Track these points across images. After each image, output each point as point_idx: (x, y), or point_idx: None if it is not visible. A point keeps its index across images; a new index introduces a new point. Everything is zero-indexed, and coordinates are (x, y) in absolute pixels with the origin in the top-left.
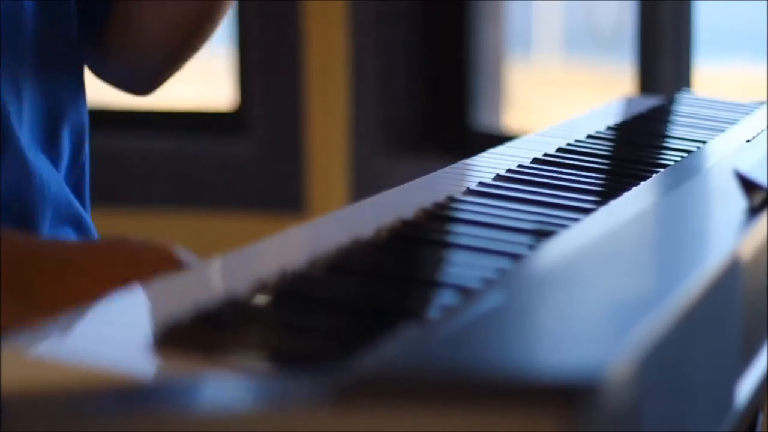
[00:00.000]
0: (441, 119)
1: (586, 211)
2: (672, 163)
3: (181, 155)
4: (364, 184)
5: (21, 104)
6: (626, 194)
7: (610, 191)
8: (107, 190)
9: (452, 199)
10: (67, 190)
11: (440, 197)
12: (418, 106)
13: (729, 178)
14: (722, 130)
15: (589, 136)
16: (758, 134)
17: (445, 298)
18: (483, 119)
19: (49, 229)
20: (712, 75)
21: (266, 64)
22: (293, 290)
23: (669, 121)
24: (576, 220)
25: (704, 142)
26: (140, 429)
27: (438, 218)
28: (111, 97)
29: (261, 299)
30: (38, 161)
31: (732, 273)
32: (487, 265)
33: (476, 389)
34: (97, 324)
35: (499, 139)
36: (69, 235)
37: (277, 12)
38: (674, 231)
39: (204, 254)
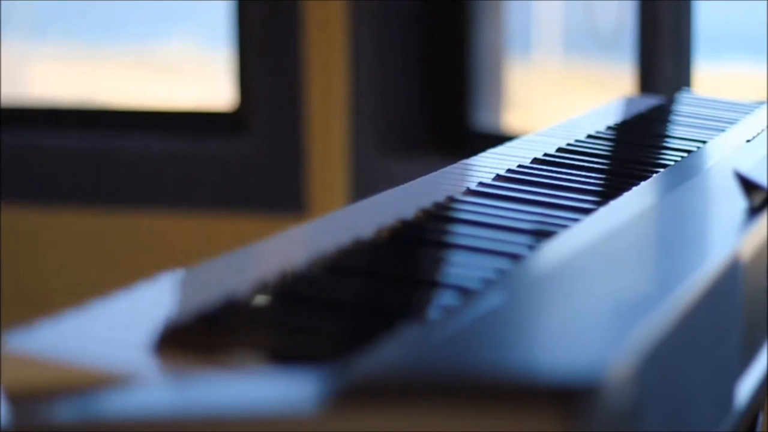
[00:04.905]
0: (441, 119)
1: (586, 211)
2: (672, 163)
3: (181, 155)
4: (364, 184)
5: None
6: (626, 194)
7: (610, 191)
8: (107, 190)
9: (452, 199)
10: None
11: (440, 197)
12: (418, 106)
13: (729, 178)
14: (722, 130)
15: (589, 136)
16: (758, 134)
17: (445, 298)
18: (483, 119)
19: None
20: (712, 75)
21: (266, 64)
22: (293, 290)
23: (669, 121)
24: (576, 220)
25: (704, 142)
26: (140, 429)
27: (438, 218)
28: (111, 97)
29: (261, 299)
30: None
31: (732, 273)
32: (487, 265)
33: (476, 389)
34: (97, 324)
35: (499, 139)
36: None
37: (277, 12)
38: (674, 231)
39: (204, 254)
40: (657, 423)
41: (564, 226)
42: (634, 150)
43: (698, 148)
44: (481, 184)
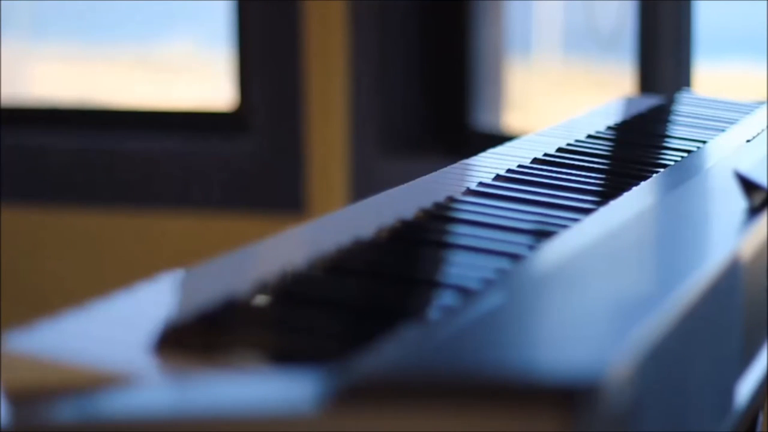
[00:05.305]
0: (441, 119)
1: (586, 211)
2: (672, 163)
3: (181, 155)
4: (364, 184)
5: None
6: (626, 194)
7: (610, 191)
8: (107, 190)
9: (452, 199)
10: None
11: (440, 197)
12: (418, 106)
13: (729, 178)
14: (722, 130)
15: (589, 136)
16: (758, 134)
17: (445, 298)
18: (483, 119)
19: None
20: (712, 75)
21: (266, 64)
22: (293, 290)
23: (669, 121)
24: (576, 220)
25: (704, 142)
26: (140, 429)
27: (438, 218)
28: (111, 97)
29: (261, 299)
30: None
31: (732, 273)
32: (487, 265)
33: (476, 389)
34: (97, 324)
35: (499, 139)
36: None
37: (277, 12)
38: (674, 231)
39: (204, 254)
40: (657, 423)
41: (564, 226)
42: (634, 150)
43: (698, 148)
44: (481, 184)
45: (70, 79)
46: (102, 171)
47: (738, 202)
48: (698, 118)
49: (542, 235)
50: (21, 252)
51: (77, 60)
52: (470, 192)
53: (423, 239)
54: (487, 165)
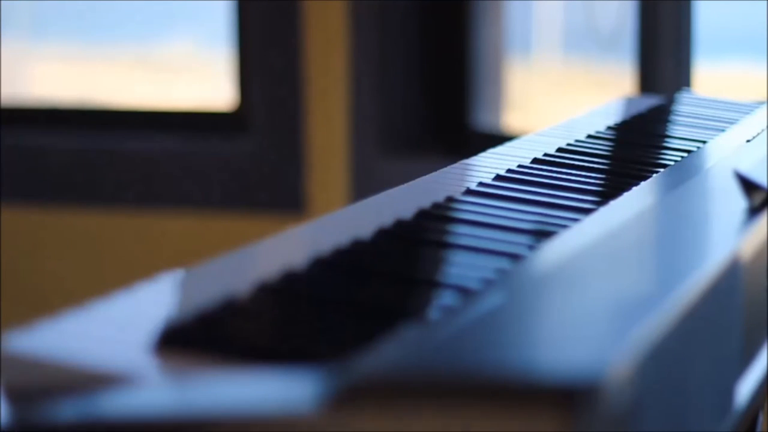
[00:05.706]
0: (441, 119)
1: (586, 211)
2: (672, 163)
3: (181, 155)
4: (364, 184)
5: None
6: (626, 194)
7: (610, 191)
8: (107, 190)
9: (452, 199)
10: None
11: (440, 197)
12: (418, 106)
13: (729, 178)
14: (722, 130)
15: (589, 136)
16: (758, 134)
17: (445, 298)
18: (483, 119)
19: None
20: (712, 75)
21: (266, 64)
22: (293, 290)
23: (669, 121)
24: (576, 220)
25: (704, 142)
26: (140, 429)
27: (437, 218)
28: (111, 97)
29: (261, 299)
30: None
31: (732, 273)
32: (487, 265)
33: (476, 389)
34: (97, 324)
35: (499, 139)
36: None
37: (277, 12)
38: (674, 231)
39: (204, 254)
40: (657, 423)
41: (564, 226)
42: (634, 150)
43: (698, 148)
44: (481, 184)
45: (70, 79)
46: (102, 171)
47: (738, 202)
48: (698, 118)
49: (542, 235)
50: (21, 252)
51: (77, 60)
52: (470, 192)
53: (423, 239)
54: (487, 165)
